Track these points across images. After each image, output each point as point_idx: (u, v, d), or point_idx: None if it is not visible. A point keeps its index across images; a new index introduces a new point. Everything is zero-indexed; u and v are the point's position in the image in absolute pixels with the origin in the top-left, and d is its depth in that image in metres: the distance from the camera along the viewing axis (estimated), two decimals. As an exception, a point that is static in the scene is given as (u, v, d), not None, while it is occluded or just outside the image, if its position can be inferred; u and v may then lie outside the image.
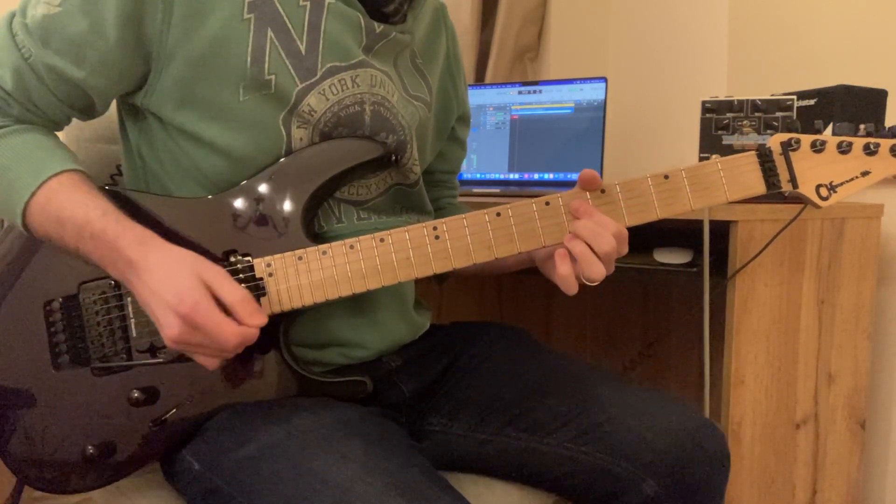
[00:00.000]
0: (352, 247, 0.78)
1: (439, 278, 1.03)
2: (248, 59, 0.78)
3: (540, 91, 1.66)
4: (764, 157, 0.80)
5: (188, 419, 0.80)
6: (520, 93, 1.68)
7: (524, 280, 1.99)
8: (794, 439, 1.25)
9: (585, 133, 1.61)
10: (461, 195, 1.17)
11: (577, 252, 0.76)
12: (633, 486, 0.82)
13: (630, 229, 0.79)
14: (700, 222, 1.12)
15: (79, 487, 0.80)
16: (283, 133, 0.80)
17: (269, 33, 0.79)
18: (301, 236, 0.80)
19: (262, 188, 0.80)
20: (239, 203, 0.80)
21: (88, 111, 0.83)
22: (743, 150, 0.83)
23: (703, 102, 1.24)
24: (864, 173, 0.79)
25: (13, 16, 0.79)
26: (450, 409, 0.91)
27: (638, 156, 1.97)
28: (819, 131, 0.81)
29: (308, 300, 0.78)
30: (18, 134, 0.79)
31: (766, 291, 1.17)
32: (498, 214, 0.79)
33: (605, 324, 1.96)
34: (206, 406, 0.80)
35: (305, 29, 0.81)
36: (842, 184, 0.80)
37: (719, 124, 1.22)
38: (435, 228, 0.79)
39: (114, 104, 0.87)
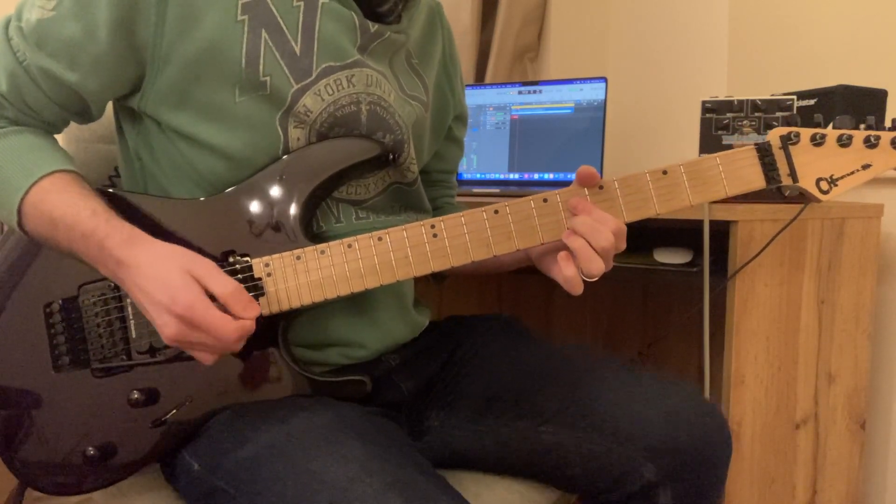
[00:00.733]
0: (350, 246, 0.78)
1: (438, 279, 1.03)
2: (243, 60, 0.78)
3: (540, 91, 1.66)
4: (763, 151, 0.79)
5: (188, 420, 0.80)
6: (520, 93, 1.68)
7: (524, 280, 1.99)
8: (794, 439, 1.25)
9: (585, 133, 1.61)
10: (460, 195, 1.17)
11: (575, 248, 0.76)
12: (633, 471, 0.81)
13: (630, 229, 0.79)
14: (700, 222, 1.12)
15: (79, 489, 0.80)
16: (280, 133, 0.81)
17: (264, 34, 0.79)
18: (299, 236, 0.80)
19: (260, 188, 0.80)
20: (237, 203, 0.80)
21: (84, 114, 0.84)
22: (743, 148, 0.83)
23: (703, 102, 1.24)
24: (865, 166, 0.79)
25: (9, 20, 0.79)
26: (447, 403, 0.91)
27: (638, 156, 1.97)
28: (819, 125, 0.81)
29: (307, 300, 0.78)
30: (13, 135, 0.79)
31: (766, 291, 1.17)
32: (496, 212, 0.79)
33: (605, 324, 1.96)
34: (206, 407, 0.80)
35: (300, 29, 0.81)
36: (842, 177, 0.79)
37: (719, 124, 1.22)
38: (433, 227, 0.79)
39: (111, 106, 0.87)
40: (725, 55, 1.79)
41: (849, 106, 1.25)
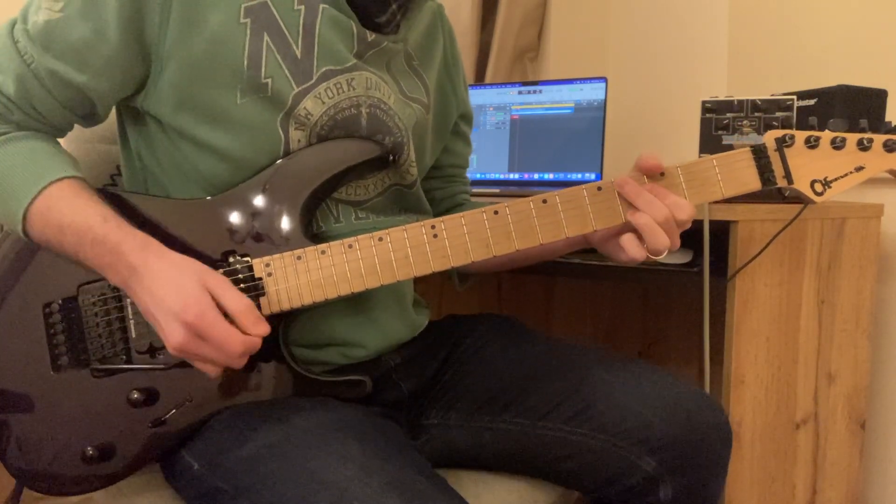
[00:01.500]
0: (350, 246, 0.78)
1: (462, 279, 1.04)
2: (245, 62, 0.78)
3: (540, 91, 1.66)
4: (759, 153, 0.80)
5: (188, 420, 0.80)
6: (520, 93, 1.68)
7: (524, 280, 1.99)
8: (794, 439, 1.25)
9: (585, 133, 1.61)
10: (460, 195, 1.17)
11: (640, 224, 0.77)
12: (632, 465, 0.82)
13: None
14: (700, 222, 1.12)
15: (79, 489, 0.80)
16: (281, 135, 0.81)
17: (266, 37, 0.79)
18: (300, 236, 0.80)
19: (261, 189, 0.80)
20: (237, 204, 0.80)
21: (90, 117, 0.84)
22: (742, 149, 0.83)
23: (703, 102, 1.24)
24: (858, 168, 0.80)
25: (14, 23, 0.79)
26: (447, 401, 0.92)
27: (638, 156, 1.97)
28: (814, 128, 0.81)
29: (307, 300, 0.78)
30: (19, 141, 0.78)
31: (766, 291, 1.17)
32: (496, 213, 0.79)
33: (605, 324, 1.95)
34: (206, 406, 0.80)
35: (301, 33, 0.81)
36: (836, 179, 0.80)
37: (719, 124, 1.22)
38: (433, 227, 0.79)
39: (113, 107, 0.87)
40: (725, 55, 1.79)
41: (848, 106, 1.25)
